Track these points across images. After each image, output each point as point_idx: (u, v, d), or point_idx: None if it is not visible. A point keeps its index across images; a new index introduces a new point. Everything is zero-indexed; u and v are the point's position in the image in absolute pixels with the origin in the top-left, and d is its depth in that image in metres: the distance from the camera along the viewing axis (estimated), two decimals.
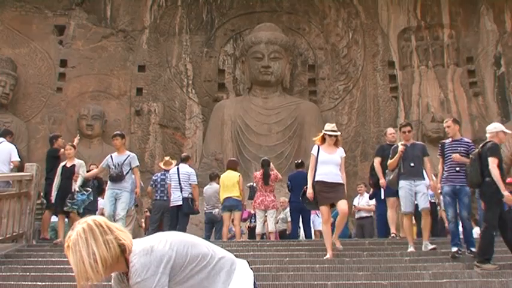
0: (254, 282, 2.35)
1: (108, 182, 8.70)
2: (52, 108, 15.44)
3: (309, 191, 7.03)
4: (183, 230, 8.94)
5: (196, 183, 10.01)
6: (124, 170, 8.53)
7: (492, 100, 15.43)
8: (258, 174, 10.16)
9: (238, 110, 15.40)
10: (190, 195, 9.70)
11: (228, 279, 2.25)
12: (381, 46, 16.23)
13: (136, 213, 11.78)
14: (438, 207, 9.91)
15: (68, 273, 5.96)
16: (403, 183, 7.41)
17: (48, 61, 15.73)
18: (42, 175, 9.39)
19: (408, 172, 7.40)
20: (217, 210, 10.31)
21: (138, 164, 8.88)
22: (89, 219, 2.13)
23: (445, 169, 7.08)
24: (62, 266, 6.36)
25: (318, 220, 10.47)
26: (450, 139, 7.23)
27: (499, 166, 6.28)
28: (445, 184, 7.03)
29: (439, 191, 7.57)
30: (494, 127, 6.72)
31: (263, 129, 15.27)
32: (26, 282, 5.81)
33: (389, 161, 7.67)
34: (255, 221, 10.82)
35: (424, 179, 7.53)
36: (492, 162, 6.26)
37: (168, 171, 10.28)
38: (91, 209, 9.19)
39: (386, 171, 7.81)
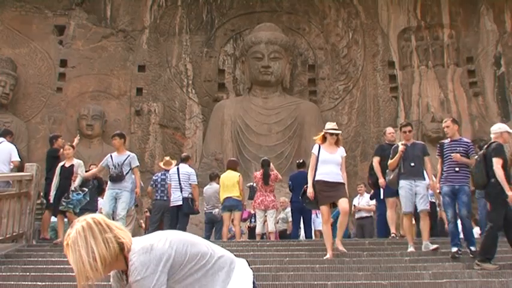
0: (253, 282, 2.35)
1: (108, 182, 8.69)
2: (52, 108, 15.44)
3: (309, 190, 7.00)
4: (183, 230, 8.92)
5: (196, 183, 10.01)
6: (124, 170, 8.51)
7: (492, 100, 15.44)
8: (258, 174, 10.16)
9: (238, 110, 15.40)
10: (190, 195, 9.71)
11: (227, 278, 2.25)
12: (380, 46, 16.24)
13: (136, 213, 11.78)
14: (438, 208, 9.89)
15: (68, 273, 5.97)
16: (403, 183, 7.40)
17: (48, 61, 15.73)
18: (42, 175, 9.39)
19: (408, 172, 7.39)
20: (217, 210, 10.31)
21: (138, 164, 8.86)
22: (88, 217, 2.13)
23: (444, 169, 7.07)
24: (62, 266, 6.36)
25: (318, 220, 10.47)
26: (449, 139, 7.22)
27: (504, 167, 6.27)
28: (444, 184, 7.02)
29: (438, 191, 7.55)
30: (498, 127, 6.72)
31: (263, 129, 15.27)
32: (26, 282, 5.81)
33: (389, 161, 7.66)
34: (255, 221, 10.82)
35: (424, 179, 7.52)
36: (496, 163, 6.25)
37: (168, 171, 10.28)
38: (90, 208, 9.14)
39: (387, 171, 7.79)
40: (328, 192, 6.95)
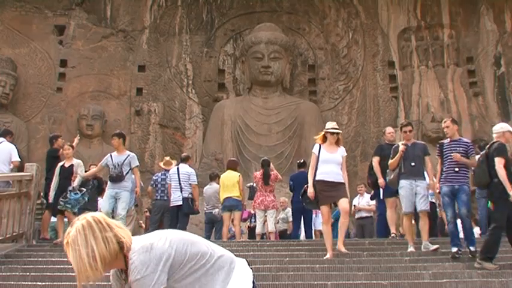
0: (253, 282, 2.35)
1: (108, 182, 8.69)
2: (52, 108, 15.44)
3: (310, 190, 6.96)
4: (183, 230, 8.88)
5: (196, 183, 10.01)
6: (124, 170, 8.49)
7: (492, 100, 15.44)
8: (258, 174, 10.16)
9: (238, 110, 15.40)
10: (190, 195, 9.70)
11: (227, 278, 2.25)
12: (380, 46, 16.24)
13: (136, 213, 11.78)
14: (438, 208, 9.88)
15: (68, 273, 5.97)
16: (403, 183, 7.38)
17: (48, 61, 15.74)
18: (42, 175, 9.39)
19: (409, 172, 7.38)
20: (217, 210, 10.31)
21: (138, 164, 8.84)
22: (88, 215, 2.13)
23: (444, 169, 7.05)
24: (62, 266, 6.36)
25: (318, 220, 10.47)
26: (449, 139, 7.21)
27: (506, 166, 6.27)
28: (443, 184, 7.00)
29: (437, 191, 7.54)
30: (500, 127, 6.72)
31: (263, 129, 15.27)
32: (26, 282, 5.81)
33: (390, 161, 7.65)
34: (255, 221, 10.82)
35: (424, 178, 7.52)
36: (498, 163, 6.25)
37: (168, 171, 10.28)
38: (91, 209, 9.13)
39: (388, 170, 7.76)
40: (329, 192, 6.92)
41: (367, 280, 5.70)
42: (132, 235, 2.22)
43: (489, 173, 6.35)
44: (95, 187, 9.81)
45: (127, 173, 8.52)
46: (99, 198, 10.20)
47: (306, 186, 7.15)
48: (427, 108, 15.62)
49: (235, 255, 2.40)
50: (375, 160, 8.89)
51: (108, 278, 2.30)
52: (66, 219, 8.95)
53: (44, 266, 6.54)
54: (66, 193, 8.52)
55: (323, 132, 7.21)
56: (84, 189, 8.71)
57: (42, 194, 9.86)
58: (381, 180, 8.61)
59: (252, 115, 15.39)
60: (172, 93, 16.01)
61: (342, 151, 7.19)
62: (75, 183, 8.70)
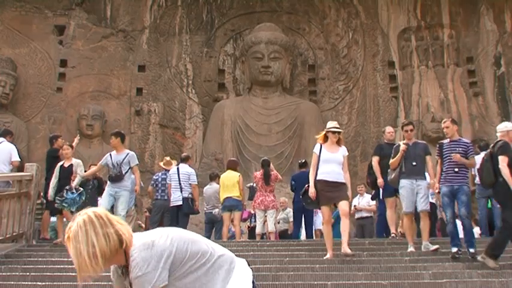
0: (253, 282, 2.35)
1: (108, 182, 8.67)
2: (52, 108, 15.44)
3: (311, 190, 6.91)
4: None
5: (196, 183, 10.01)
6: (123, 169, 8.47)
7: (492, 100, 15.44)
8: (258, 174, 10.16)
9: (238, 110, 15.40)
10: (190, 195, 9.71)
11: (227, 277, 2.26)
12: (380, 46, 16.24)
13: (136, 213, 11.77)
14: (438, 208, 9.87)
15: (68, 273, 5.97)
16: (404, 182, 7.37)
17: (48, 61, 15.74)
18: (42, 175, 9.39)
19: (410, 171, 7.36)
20: (217, 210, 10.31)
21: (137, 162, 8.79)
22: (90, 211, 2.13)
23: (444, 169, 7.05)
24: (62, 266, 6.37)
25: (319, 219, 10.46)
26: (448, 139, 7.20)
27: (510, 165, 6.26)
28: (443, 185, 6.99)
29: (437, 191, 7.54)
30: (505, 126, 6.72)
31: (263, 129, 15.28)
32: (26, 282, 5.81)
33: (391, 160, 7.63)
34: (255, 221, 10.82)
35: (425, 178, 7.51)
36: (502, 161, 6.24)
37: (168, 170, 10.28)
38: None
39: (389, 170, 7.73)
40: (330, 192, 6.86)
41: (367, 280, 5.71)
42: None
43: (494, 172, 6.34)
44: (95, 187, 9.81)
45: (126, 172, 8.49)
46: (99, 198, 10.19)
47: (306, 186, 7.10)
48: (427, 108, 15.62)
49: (235, 255, 2.40)
50: (375, 160, 8.88)
51: (108, 278, 2.30)
52: (65, 219, 8.95)
53: (44, 266, 6.54)
54: (62, 192, 8.51)
55: (324, 132, 7.17)
56: (82, 189, 8.67)
57: (42, 194, 9.87)
58: (380, 180, 8.60)
59: (252, 115, 15.39)
60: (172, 93, 16.01)
61: (343, 151, 7.13)
62: (75, 182, 8.69)
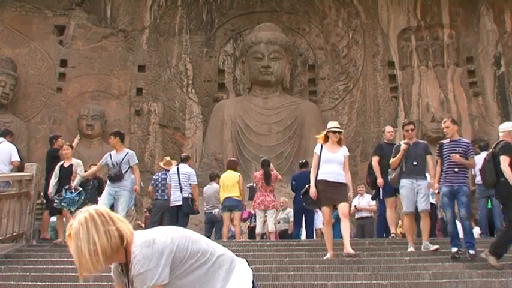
0: (253, 282, 2.35)
1: (107, 182, 8.64)
2: (52, 108, 15.44)
3: (312, 190, 6.90)
4: None
5: (196, 183, 10.01)
6: (123, 168, 8.42)
7: (492, 100, 15.44)
8: (258, 174, 10.16)
9: (238, 110, 15.40)
10: (190, 195, 9.70)
11: (227, 277, 2.26)
12: (380, 46, 16.24)
13: (136, 213, 11.77)
14: (438, 209, 9.87)
15: (68, 273, 5.97)
16: (405, 182, 7.36)
17: (48, 61, 15.74)
18: (42, 175, 9.39)
19: (410, 171, 7.35)
20: (217, 210, 10.31)
21: (137, 161, 8.73)
22: (91, 208, 2.14)
23: (444, 170, 7.03)
24: (62, 266, 6.37)
25: (319, 218, 10.44)
26: (448, 140, 7.19)
27: (511, 165, 6.25)
28: (443, 185, 6.97)
29: (437, 191, 7.53)
30: (507, 126, 6.71)
31: (263, 129, 15.28)
32: (26, 282, 5.81)
33: (391, 160, 7.62)
34: (255, 221, 10.81)
35: (426, 178, 7.51)
36: (503, 161, 6.23)
37: (168, 170, 10.27)
38: None
39: (389, 169, 7.72)
40: (330, 193, 6.84)
41: (367, 280, 5.70)
42: None
43: (496, 172, 6.33)
44: (95, 187, 9.81)
45: (126, 171, 8.45)
46: (98, 198, 10.19)
47: (307, 186, 7.09)
48: (427, 108, 15.62)
49: (235, 255, 2.40)
50: (374, 159, 8.87)
51: (108, 278, 2.30)
52: (65, 219, 8.94)
53: (44, 266, 6.54)
54: (61, 192, 8.50)
55: (325, 132, 7.16)
56: (80, 188, 8.66)
57: (42, 194, 9.87)
58: (379, 180, 8.59)
59: (252, 115, 15.39)
60: (172, 93, 16.01)
61: (344, 151, 7.11)
62: (75, 183, 8.67)
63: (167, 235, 2.16)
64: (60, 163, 9.04)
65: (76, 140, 10.18)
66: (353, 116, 15.86)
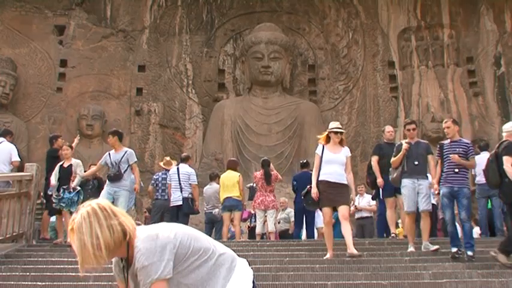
0: (253, 281, 2.36)
1: (107, 181, 8.62)
2: (52, 108, 15.44)
3: (314, 191, 6.88)
4: None
5: (196, 183, 10.00)
6: (122, 168, 8.37)
7: (492, 100, 15.43)
8: (258, 174, 10.15)
9: (238, 110, 15.40)
10: (190, 195, 9.70)
11: (228, 275, 2.27)
12: (381, 46, 16.23)
13: (136, 213, 11.77)
14: (438, 209, 9.87)
15: (68, 273, 5.97)
16: (406, 182, 7.34)
17: (48, 61, 15.74)
18: (42, 175, 9.39)
19: (411, 170, 7.34)
20: (217, 210, 10.31)
21: (136, 160, 8.68)
22: (94, 202, 2.13)
23: (444, 170, 7.02)
24: (62, 266, 6.37)
25: (320, 217, 10.42)
26: (449, 140, 7.19)
27: None
28: (443, 185, 6.96)
29: (436, 192, 7.53)
30: (510, 126, 6.70)
31: (263, 129, 15.28)
32: (26, 282, 5.81)
33: (392, 159, 7.61)
34: (255, 221, 10.81)
35: (427, 178, 7.50)
36: (506, 161, 6.22)
37: (169, 170, 10.27)
38: None
39: (390, 169, 7.71)
40: (331, 194, 6.82)
41: (367, 280, 5.70)
42: None
43: (499, 173, 6.32)
44: (95, 187, 9.80)
45: (125, 171, 8.41)
46: None
47: (309, 186, 7.07)
48: (427, 108, 15.62)
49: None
50: (374, 159, 8.87)
51: (108, 278, 2.30)
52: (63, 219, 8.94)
53: (44, 266, 6.54)
54: (59, 192, 8.49)
55: (326, 133, 7.14)
56: (79, 188, 8.65)
57: (42, 194, 9.87)
58: (379, 180, 8.59)
59: (252, 115, 15.39)
60: (172, 93, 16.01)
61: (346, 151, 7.09)
62: (74, 183, 8.67)
63: (170, 231, 2.17)
64: (60, 163, 9.03)
65: (76, 140, 10.18)
66: (353, 116, 15.86)
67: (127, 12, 16.31)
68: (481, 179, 8.86)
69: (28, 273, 6.12)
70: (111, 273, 2.32)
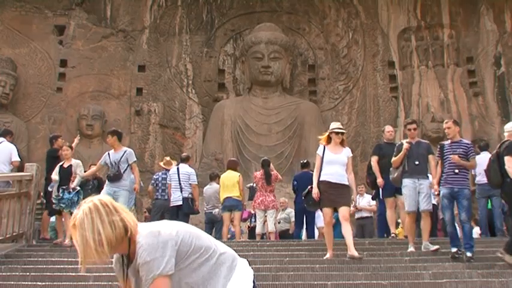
0: (253, 281, 2.36)
1: (106, 181, 8.61)
2: (52, 108, 15.44)
3: (315, 191, 6.88)
4: None
5: (196, 183, 10.01)
6: (121, 168, 8.34)
7: (492, 100, 15.43)
8: (258, 174, 10.15)
9: (238, 110, 15.41)
10: (190, 195, 9.70)
11: (229, 274, 2.27)
12: (380, 46, 16.23)
13: (136, 213, 11.76)
14: (438, 209, 9.86)
15: (68, 273, 5.98)
16: (406, 182, 7.34)
17: (48, 61, 15.73)
18: (42, 175, 9.39)
19: (412, 170, 7.33)
20: (217, 210, 10.31)
21: (135, 159, 8.65)
22: (95, 198, 2.14)
23: (444, 171, 7.02)
24: (62, 266, 6.37)
25: (320, 217, 10.41)
26: (449, 140, 7.18)
27: None
28: (443, 186, 6.96)
29: (436, 193, 7.52)
30: (511, 126, 6.69)
31: (263, 129, 15.28)
32: (26, 282, 5.81)
33: (393, 159, 7.61)
34: (255, 221, 10.82)
35: (428, 177, 7.50)
36: (508, 161, 6.21)
37: (169, 170, 10.27)
38: None
39: (391, 169, 7.71)
40: (332, 195, 6.81)
41: (367, 280, 5.71)
42: None
43: (501, 172, 6.31)
44: (95, 187, 9.79)
45: (125, 170, 8.37)
46: None
47: (310, 187, 7.06)
48: (427, 108, 15.62)
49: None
50: (374, 159, 8.88)
51: (108, 278, 2.30)
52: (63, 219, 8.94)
53: (44, 266, 6.54)
54: (59, 192, 8.49)
55: (327, 133, 7.13)
56: (78, 188, 8.63)
57: (42, 194, 9.87)
58: (379, 180, 8.59)
59: (252, 115, 15.39)
60: (172, 93, 16.01)
61: (347, 152, 7.09)
62: (74, 183, 8.66)
63: (172, 228, 2.18)
64: (60, 163, 9.03)
65: (76, 141, 10.17)
66: (353, 116, 15.86)
67: (127, 12, 16.31)
68: (481, 179, 8.87)
69: (28, 273, 6.12)
70: (112, 273, 2.32)
